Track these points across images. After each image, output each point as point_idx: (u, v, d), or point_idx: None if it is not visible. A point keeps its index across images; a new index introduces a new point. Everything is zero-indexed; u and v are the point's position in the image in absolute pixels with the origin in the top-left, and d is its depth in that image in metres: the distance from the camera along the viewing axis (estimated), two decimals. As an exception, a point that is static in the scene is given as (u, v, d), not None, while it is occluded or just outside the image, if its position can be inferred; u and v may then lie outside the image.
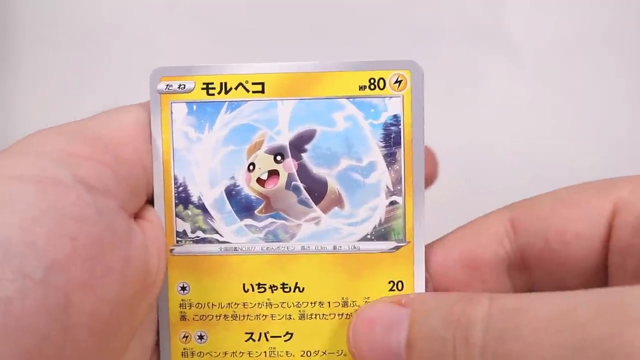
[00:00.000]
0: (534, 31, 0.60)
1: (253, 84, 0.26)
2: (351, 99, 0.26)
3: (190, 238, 0.27)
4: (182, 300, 0.27)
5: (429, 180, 0.26)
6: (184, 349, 0.27)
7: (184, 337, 0.27)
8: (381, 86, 0.26)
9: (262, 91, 0.26)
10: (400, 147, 0.26)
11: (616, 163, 0.56)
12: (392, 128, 0.26)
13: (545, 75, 0.59)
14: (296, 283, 0.27)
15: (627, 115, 0.57)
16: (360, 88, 0.26)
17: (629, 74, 0.58)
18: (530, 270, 0.25)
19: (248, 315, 0.27)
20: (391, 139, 0.26)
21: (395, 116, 0.26)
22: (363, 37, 0.58)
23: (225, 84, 0.26)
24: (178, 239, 0.27)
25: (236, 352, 0.27)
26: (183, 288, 0.27)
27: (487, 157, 0.44)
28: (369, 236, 0.27)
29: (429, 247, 0.26)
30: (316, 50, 0.54)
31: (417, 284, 0.26)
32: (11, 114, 0.58)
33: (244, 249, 0.27)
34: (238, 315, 0.27)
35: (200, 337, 0.27)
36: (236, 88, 0.26)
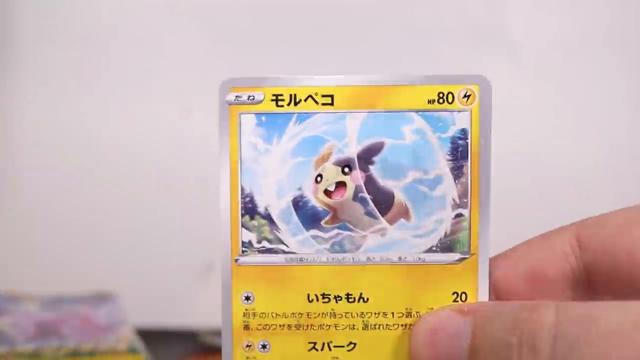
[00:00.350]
0: (535, 31, 0.61)
1: (322, 96, 0.26)
2: (420, 113, 0.27)
3: (255, 248, 0.27)
4: (246, 309, 0.27)
5: None
6: (247, 358, 0.27)
7: (247, 346, 0.28)
8: (450, 100, 0.26)
9: (332, 103, 0.26)
10: (467, 161, 0.27)
11: (617, 163, 0.58)
12: (460, 142, 0.27)
13: (547, 75, 0.60)
14: (360, 293, 0.27)
15: (628, 115, 0.59)
16: (429, 102, 0.26)
17: (630, 74, 0.59)
18: (596, 288, 0.25)
19: (312, 325, 0.27)
20: (458, 153, 0.27)
21: (463, 130, 0.26)
22: (365, 37, 0.58)
23: (295, 95, 0.26)
24: (244, 249, 0.27)
25: (299, 361, 0.28)
26: (247, 298, 0.27)
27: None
28: (434, 248, 0.27)
29: (493, 260, 0.26)
30: (318, 50, 0.54)
31: (481, 296, 0.27)
32: (9, 114, 0.57)
33: (309, 259, 0.27)
34: (302, 325, 0.27)
35: (264, 346, 0.28)
36: (305, 100, 0.26)
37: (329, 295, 0.27)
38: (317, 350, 0.27)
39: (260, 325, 0.27)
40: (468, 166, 0.27)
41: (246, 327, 0.27)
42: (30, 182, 0.58)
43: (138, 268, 0.57)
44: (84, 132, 0.56)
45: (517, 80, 0.60)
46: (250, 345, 0.28)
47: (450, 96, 0.26)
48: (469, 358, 0.23)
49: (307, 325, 0.27)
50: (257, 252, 0.27)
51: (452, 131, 0.27)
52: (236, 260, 0.27)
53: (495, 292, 0.27)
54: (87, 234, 0.57)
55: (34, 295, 0.53)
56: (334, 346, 0.27)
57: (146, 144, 0.55)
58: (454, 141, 0.27)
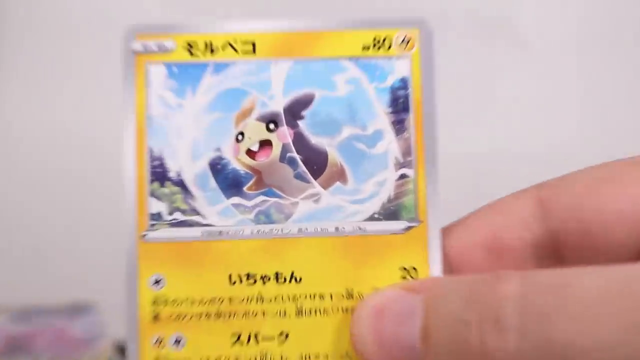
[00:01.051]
0: (547, 23, 0.56)
1: (243, 43, 0.23)
2: (354, 60, 0.24)
3: (166, 221, 0.23)
4: (156, 296, 0.23)
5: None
6: (157, 356, 0.23)
7: (156, 341, 0.23)
8: (387, 46, 0.24)
9: (253, 51, 0.23)
10: (409, 113, 0.23)
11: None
12: (400, 92, 0.23)
13: (559, 70, 0.55)
14: (292, 272, 0.23)
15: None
16: (364, 48, 0.24)
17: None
18: (563, 257, 0.23)
19: (235, 313, 0.23)
20: (399, 104, 0.23)
21: (403, 79, 0.23)
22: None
23: (211, 43, 0.23)
24: (152, 222, 0.23)
25: (221, 358, 0.23)
26: (157, 281, 0.23)
27: (498, 158, 0.41)
28: (376, 215, 0.23)
29: (445, 229, 0.23)
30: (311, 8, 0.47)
31: (433, 270, 0.23)
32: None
33: (230, 232, 0.23)
34: (223, 313, 0.23)
35: (177, 341, 0.23)
36: (223, 48, 0.23)
37: (255, 275, 0.23)
38: (242, 344, 0.23)
39: (172, 315, 0.23)
40: (410, 119, 0.23)
41: (156, 318, 0.23)
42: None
43: (118, 275, 0.49)
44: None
45: (528, 76, 0.53)
46: (160, 341, 0.23)
47: (387, 41, 0.24)
48: (421, 341, 0.20)
49: (230, 313, 0.23)
50: (168, 226, 0.23)
51: (391, 80, 0.24)
52: (143, 236, 0.23)
53: (449, 266, 0.24)
54: (61, 238, 0.50)
55: (3, 306, 0.46)
56: (263, 338, 0.23)
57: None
58: (393, 91, 0.23)
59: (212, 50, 0.24)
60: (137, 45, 0.23)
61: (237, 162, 0.23)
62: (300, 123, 0.24)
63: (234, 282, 0.23)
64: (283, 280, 0.23)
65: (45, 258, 0.48)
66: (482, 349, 0.18)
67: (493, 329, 0.18)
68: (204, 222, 0.23)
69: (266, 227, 0.23)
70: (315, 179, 0.23)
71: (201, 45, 0.24)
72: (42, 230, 0.48)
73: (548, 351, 0.17)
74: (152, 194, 0.23)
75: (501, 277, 0.19)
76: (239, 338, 0.23)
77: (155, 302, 0.23)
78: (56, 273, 0.48)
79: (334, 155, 0.23)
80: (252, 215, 0.23)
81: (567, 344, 0.17)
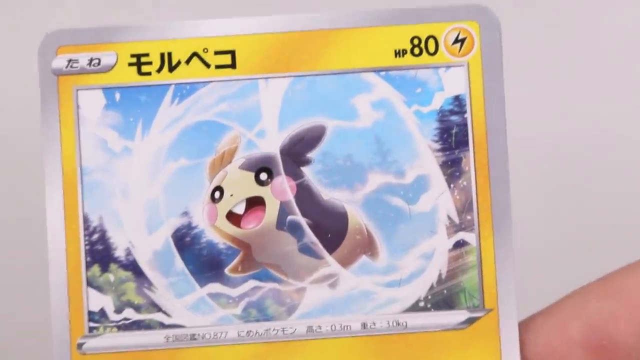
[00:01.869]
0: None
1: (216, 53, 0.17)
2: (383, 73, 0.17)
3: (113, 322, 0.16)
4: None
5: None
6: None
7: None
8: (431, 49, 0.17)
9: (233, 65, 0.16)
10: (468, 150, 0.16)
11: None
12: (453, 118, 0.16)
13: None
14: None
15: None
16: (397, 54, 0.16)
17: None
18: None
19: None
20: (452, 137, 0.16)
21: (458, 98, 0.16)
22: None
23: (170, 55, 0.16)
24: (92, 324, 0.16)
25: None
26: (103, 411, 0.16)
27: (593, 214, 0.31)
28: (422, 303, 0.17)
29: (526, 322, 0.17)
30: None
31: None
32: None
33: (208, 336, 0.16)
34: None
35: None
36: (188, 61, 0.16)
37: None
38: None
39: None
40: (470, 159, 0.16)
41: None
42: None
43: None
44: None
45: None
46: None
47: (431, 42, 0.16)
48: None
49: None
50: (116, 329, 0.16)
51: (439, 101, 0.17)
52: (79, 345, 0.16)
53: None
54: None
55: None
56: None
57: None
58: (443, 117, 0.17)
59: (171, 66, 0.16)
60: (60, 62, 0.16)
61: (215, 232, 0.17)
62: (306, 170, 0.16)
63: (217, 409, 0.16)
64: None
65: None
66: None
67: None
68: (169, 321, 0.16)
69: (260, 327, 0.16)
70: (331, 252, 0.17)
71: (155, 59, 0.17)
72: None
73: None
74: (91, 284, 0.16)
75: None
76: None
77: None
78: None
79: (357, 217, 0.17)
80: (238, 310, 0.17)
81: None
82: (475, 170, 0.16)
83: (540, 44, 0.30)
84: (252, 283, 0.16)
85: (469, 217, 0.16)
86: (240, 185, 0.16)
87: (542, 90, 0.32)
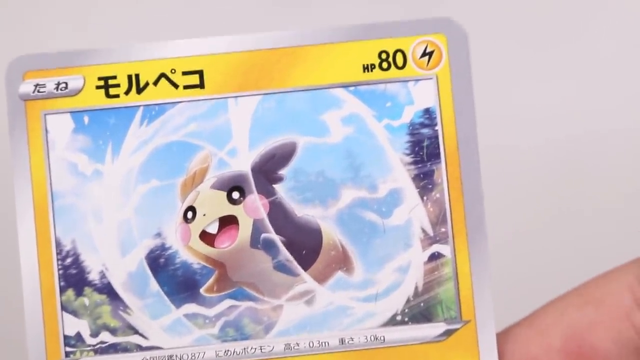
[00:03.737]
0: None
1: (184, 73, 0.16)
2: (352, 88, 0.16)
3: (90, 346, 0.16)
4: None
5: None
6: None
7: None
8: (399, 63, 0.16)
9: (201, 85, 0.16)
10: (440, 162, 0.16)
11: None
12: (424, 131, 0.16)
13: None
14: None
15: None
16: (366, 69, 0.16)
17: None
18: None
19: None
20: (423, 150, 0.16)
21: (428, 111, 0.16)
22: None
23: (137, 76, 0.16)
24: (68, 349, 0.16)
25: None
26: None
27: (571, 220, 0.30)
28: (399, 317, 0.16)
29: (505, 332, 0.17)
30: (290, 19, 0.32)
31: None
32: None
33: (185, 357, 0.16)
34: None
35: None
36: (156, 83, 0.16)
37: None
38: None
39: None
40: (442, 171, 0.16)
41: None
42: None
43: None
44: None
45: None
46: None
47: (399, 56, 0.16)
48: None
49: None
50: (92, 353, 0.16)
51: (410, 115, 0.16)
52: None
53: None
54: None
55: None
56: None
57: None
58: (414, 131, 0.16)
59: (139, 88, 0.16)
60: (27, 87, 0.16)
61: (189, 252, 0.16)
62: (278, 188, 0.16)
63: None
64: None
65: None
66: None
67: None
68: (146, 344, 0.16)
69: (238, 346, 0.16)
70: (306, 269, 0.16)
71: (123, 81, 0.16)
72: None
73: None
74: (66, 308, 0.16)
75: None
76: None
77: None
78: None
79: (331, 233, 0.16)
80: (215, 330, 0.16)
81: None
82: (447, 182, 0.16)
83: (509, 54, 0.30)
84: (228, 302, 0.16)
85: (443, 230, 0.16)
86: (212, 205, 0.16)
87: (514, 99, 0.32)
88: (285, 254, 0.16)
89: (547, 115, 0.30)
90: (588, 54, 0.33)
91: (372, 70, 0.16)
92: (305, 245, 0.16)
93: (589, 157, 0.30)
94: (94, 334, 0.16)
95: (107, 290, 0.16)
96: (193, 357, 0.16)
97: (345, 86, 0.16)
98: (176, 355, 0.16)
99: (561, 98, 0.31)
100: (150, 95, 0.16)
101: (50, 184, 0.16)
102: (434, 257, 0.16)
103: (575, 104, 0.31)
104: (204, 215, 0.16)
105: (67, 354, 0.16)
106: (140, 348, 0.16)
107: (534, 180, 0.28)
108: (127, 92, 0.16)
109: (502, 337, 0.17)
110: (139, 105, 0.16)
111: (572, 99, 0.31)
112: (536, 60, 0.32)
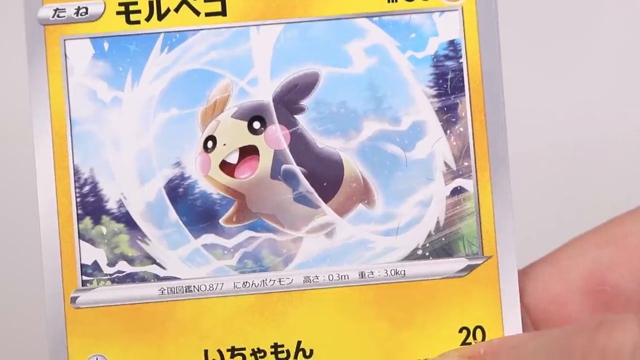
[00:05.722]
0: None
1: (206, 0, 0.16)
2: (376, 19, 0.16)
3: (107, 275, 0.16)
4: None
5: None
6: None
7: None
8: None
9: (223, 12, 0.16)
10: (464, 95, 0.16)
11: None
12: (449, 63, 0.16)
13: None
14: (299, 343, 0.16)
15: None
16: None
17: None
18: None
19: None
20: (447, 83, 0.16)
21: (452, 43, 0.16)
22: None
23: (158, 2, 0.17)
24: (85, 277, 0.16)
25: None
26: (97, 366, 0.16)
27: (593, 157, 0.30)
28: (420, 251, 0.16)
29: (526, 270, 0.17)
30: None
31: (508, 330, 0.16)
32: None
33: (203, 287, 0.16)
34: (197, 408, 0.16)
35: None
36: (177, 9, 0.16)
37: (243, 350, 0.16)
38: None
39: None
40: (466, 104, 0.16)
41: (98, 420, 0.16)
42: None
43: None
44: None
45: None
46: None
47: None
48: None
49: (208, 409, 0.16)
50: (109, 282, 0.16)
51: (434, 46, 0.16)
52: (73, 299, 0.16)
53: (535, 323, 0.17)
54: None
55: None
56: None
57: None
58: (438, 63, 0.16)
59: (160, 14, 0.16)
60: (46, 12, 0.16)
61: (208, 182, 0.16)
62: (300, 118, 0.16)
63: (212, 362, 0.16)
64: (285, 355, 0.16)
65: None
66: None
67: None
68: (163, 274, 0.16)
69: (256, 278, 0.16)
70: (327, 201, 0.16)
71: (144, 7, 0.16)
72: None
73: None
74: (83, 236, 0.16)
75: (608, 323, 0.14)
76: None
77: (96, 397, 0.16)
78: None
79: (352, 165, 0.16)
80: (234, 261, 0.16)
81: None
82: (471, 116, 0.16)
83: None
84: (248, 233, 0.16)
85: (466, 164, 0.16)
86: (233, 135, 0.16)
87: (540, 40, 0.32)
88: (305, 185, 0.16)
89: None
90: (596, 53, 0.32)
91: (396, 1, 0.16)
92: (326, 177, 0.16)
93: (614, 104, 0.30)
94: (111, 263, 0.16)
95: (125, 219, 0.16)
96: (211, 288, 0.16)
97: (369, 16, 0.16)
98: (194, 286, 0.16)
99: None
100: (172, 22, 0.16)
101: (69, 110, 0.16)
102: (457, 191, 0.16)
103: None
104: (224, 144, 0.16)
105: (83, 283, 0.16)
106: (157, 278, 0.16)
107: (562, 116, 0.28)
108: (148, 19, 0.16)
109: (523, 275, 0.17)
110: (160, 32, 0.16)
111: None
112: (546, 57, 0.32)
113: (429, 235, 0.16)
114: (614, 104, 0.31)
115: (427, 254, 0.16)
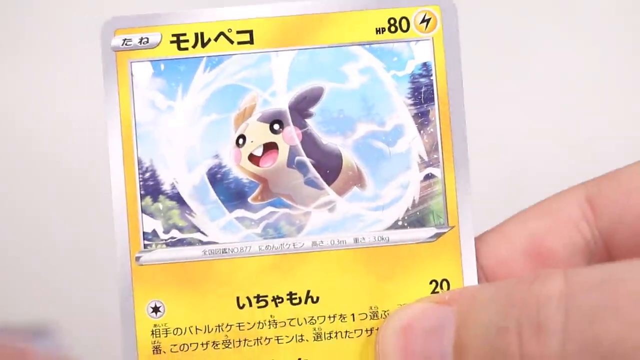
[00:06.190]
0: None
1: (238, 32, 0.20)
2: (367, 46, 0.21)
3: (163, 240, 0.20)
4: (155, 325, 0.20)
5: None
6: (160, 393, 0.20)
7: (159, 376, 0.20)
8: (404, 27, 0.21)
9: (251, 41, 0.20)
10: (434, 104, 0.20)
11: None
12: (422, 80, 0.21)
13: (607, 47, 0.47)
14: (308, 292, 0.20)
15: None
16: (378, 31, 0.21)
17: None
18: (616, 260, 0.20)
19: (246, 340, 0.20)
20: (421, 94, 0.21)
21: (425, 64, 0.20)
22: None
23: (202, 34, 0.20)
24: (146, 242, 0.20)
25: (232, 391, 0.20)
26: (155, 309, 0.20)
27: (538, 151, 0.35)
28: (400, 222, 0.21)
29: (480, 238, 0.21)
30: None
31: (467, 282, 0.21)
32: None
33: (236, 250, 0.20)
34: (232, 340, 0.20)
35: (182, 374, 0.20)
36: (216, 39, 0.20)
37: (266, 297, 0.20)
38: None
39: (175, 345, 0.20)
40: (435, 111, 0.20)
41: (156, 350, 0.20)
42: None
43: (81, 294, 0.44)
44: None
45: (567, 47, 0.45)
46: (163, 375, 0.20)
47: (404, 22, 0.21)
48: (454, 357, 0.18)
49: (240, 341, 0.20)
50: (164, 246, 0.20)
51: (411, 67, 0.21)
52: (137, 258, 0.20)
53: (487, 278, 0.21)
54: (46, 262, 0.44)
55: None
56: (278, 367, 0.20)
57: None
58: (414, 80, 0.21)
59: (203, 43, 0.21)
60: (117, 41, 0.20)
61: (239, 170, 0.21)
62: (309, 121, 0.21)
63: (243, 306, 0.20)
64: (298, 301, 0.20)
65: (28, 282, 0.42)
66: (522, 356, 0.16)
67: (534, 334, 0.16)
68: (205, 239, 0.21)
69: (276, 242, 0.21)
70: (329, 184, 0.21)
71: (191, 37, 0.21)
72: (26, 253, 0.42)
73: (595, 352, 0.16)
74: (145, 211, 0.20)
75: (541, 276, 0.17)
76: (251, 368, 0.20)
77: (154, 333, 0.20)
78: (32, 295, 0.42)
79: (349, 157, 0.21)
80: (259, 230, 0.21)
81: (617, 342, 0.15)
82: (439, 120, 0.21)
83: (493, 24, 0.34)
84: (269, 209, 0.21)
85: (435, 156, 0.21)
86: (258, 134, 0.21)
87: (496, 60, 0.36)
88: (313, 172, 0.21)
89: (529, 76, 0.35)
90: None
91: (382, 33, 0.21)
92: (329, 166, 0.21)
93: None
94: (166, 231, 0.21)
95: (177, 198, 0.21)
96: (241, 250, 0.21)
97: (361, 44, 0.21)
98: (229, 249, 0.21)
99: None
100: (212, 49, 0.21)
101: (134, 115, 0.21)
102: (428, 177, 0.21)
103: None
104: (252, 141, 0.21)
105: (145, 246, 0.21)
106: (201, 242, 0.21)
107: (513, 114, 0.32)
108: (194, 46, 0.21)
109: (478, 242, 0.21)
110: (203, 56, 0.21)
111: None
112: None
113: (407, 210, 0.21)
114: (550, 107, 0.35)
115: (405, 224, 0.21)
